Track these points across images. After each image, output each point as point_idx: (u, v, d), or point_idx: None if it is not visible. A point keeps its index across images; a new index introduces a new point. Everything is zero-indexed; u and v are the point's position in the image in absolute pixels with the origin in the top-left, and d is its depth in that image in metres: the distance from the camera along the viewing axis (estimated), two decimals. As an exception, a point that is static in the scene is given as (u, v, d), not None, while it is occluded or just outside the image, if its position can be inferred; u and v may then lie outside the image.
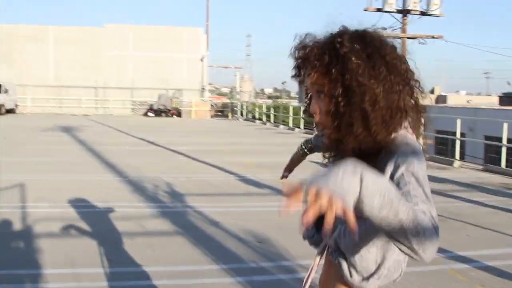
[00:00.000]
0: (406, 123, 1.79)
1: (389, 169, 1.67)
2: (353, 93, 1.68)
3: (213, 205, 9.08)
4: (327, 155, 2.04)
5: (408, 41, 29.06)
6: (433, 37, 29.86)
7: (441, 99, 51.22)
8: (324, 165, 2.00)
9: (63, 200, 8.94)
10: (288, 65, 1.85)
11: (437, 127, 30.89)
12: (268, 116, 35.93)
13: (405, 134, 1.77)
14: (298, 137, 22.52)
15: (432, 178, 11.19)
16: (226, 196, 10.01)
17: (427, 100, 1.90)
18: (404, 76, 1.77)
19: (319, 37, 1.78)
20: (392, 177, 1.64)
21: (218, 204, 9.17)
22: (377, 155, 1.74)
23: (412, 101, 1.80)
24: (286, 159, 3.33)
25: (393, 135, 1.75)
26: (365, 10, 29.22)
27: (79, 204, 8.72)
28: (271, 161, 14.01)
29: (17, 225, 7.55)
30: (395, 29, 29.12)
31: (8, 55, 43.26)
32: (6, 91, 38.10)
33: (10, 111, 38.90)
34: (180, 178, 11.51)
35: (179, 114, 40.89)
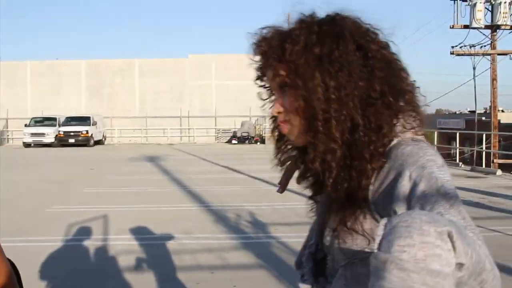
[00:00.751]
0: (408, 123, 1.36)
1: (402, 188, 1.20)
2: (321, 77, 1.33)
3: (298, 235, 8.63)
4: (302, 181, 1.61)
5: (499, 58, 27.84)
6: (526, 52, 28.47)
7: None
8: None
9: (145, 232, 8.79)
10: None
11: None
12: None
13: (410, 136, 1.34)
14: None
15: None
16: (311, 225, 9.56)
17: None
18: (387, 61, 1.38)
19: (280, 27, 1.44)
20: (409, 199, 1.17)
21: (304, 234, 8.68)
22: (371, 172, 1.30)
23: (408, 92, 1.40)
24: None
25: (395, 140, 1.32)
26: (451, 28, 28.26)
27: (161, 236, 8.52)
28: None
29: (97, 259, 7.42)
30: (484, 46, 27.98)
31: (97, 88, 44.88)
32: (94, 123, 39.38)
33: (98, 142, 40.08)
34: (263, 207, 11.18)
35: (262, 141, 40.83)
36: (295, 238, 8.31)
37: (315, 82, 1.32)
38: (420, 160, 1.23)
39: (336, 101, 1.31)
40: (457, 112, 63.82)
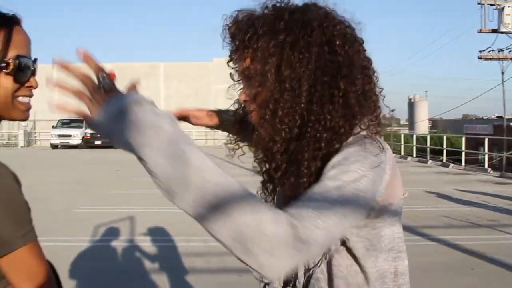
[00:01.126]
0: (364, 123, 1.34)
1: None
2: (283, 71, 1.28)
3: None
4: (259, 163, 1.62)
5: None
6: (556, 57, 28.06)
7: None
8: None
9: (172, 234, 8.76)
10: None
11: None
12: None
13: (363, 134, 1.32)
14: (411, 165, 21.65)
15: None
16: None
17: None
18: (354, 59, 1.33)
19: (254, 11, 1.38)
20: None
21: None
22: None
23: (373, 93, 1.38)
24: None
25: (350, 138, 1.30)
26: (478, 32, 27.93)
27: (188, 238, 8.48)
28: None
29: (123, 259, 7.42)
30: (513, 50, 27.62)
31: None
32: (120, 126, 39.66)
33: (124, 145, 40.33)
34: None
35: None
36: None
37: (270, 69, 1.28)
38: (353, 150, 1.24)
39: (289, 93, 1.27)
40: (484, 118, 63.11)
